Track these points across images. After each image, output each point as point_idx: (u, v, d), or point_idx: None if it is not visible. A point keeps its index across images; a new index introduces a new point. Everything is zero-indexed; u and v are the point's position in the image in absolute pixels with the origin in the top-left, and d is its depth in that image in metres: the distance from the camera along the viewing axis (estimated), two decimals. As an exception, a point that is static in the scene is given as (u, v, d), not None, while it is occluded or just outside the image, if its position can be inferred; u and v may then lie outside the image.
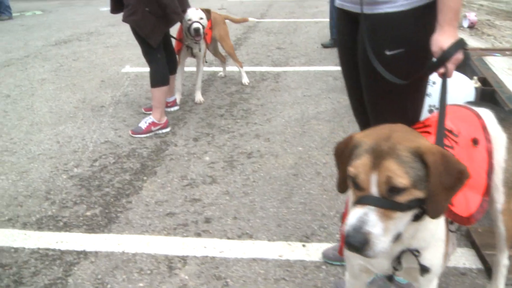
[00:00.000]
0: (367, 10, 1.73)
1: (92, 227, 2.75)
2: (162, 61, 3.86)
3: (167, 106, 4.43)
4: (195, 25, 4.00)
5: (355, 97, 2.00)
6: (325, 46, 6.57)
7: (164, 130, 3.97)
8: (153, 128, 3.92)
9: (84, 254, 2.50)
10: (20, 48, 7.40)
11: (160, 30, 3.74)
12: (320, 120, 4.12)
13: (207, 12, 4.18)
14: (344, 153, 1.29)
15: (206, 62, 4.67)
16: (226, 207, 2.89)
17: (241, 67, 5.09)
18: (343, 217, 1.54)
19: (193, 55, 4.45)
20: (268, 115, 4.25)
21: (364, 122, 2.06)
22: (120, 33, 8.23)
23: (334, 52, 6.25)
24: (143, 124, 3.92)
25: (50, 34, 8.48)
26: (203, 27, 4.07)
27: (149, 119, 3.92)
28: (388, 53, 1.72)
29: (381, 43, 1.73)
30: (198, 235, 2.64)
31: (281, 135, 3.84)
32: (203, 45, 4.40)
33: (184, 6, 3.98)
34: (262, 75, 5.42)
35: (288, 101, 4.59)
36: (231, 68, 5.55)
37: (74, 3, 12.74)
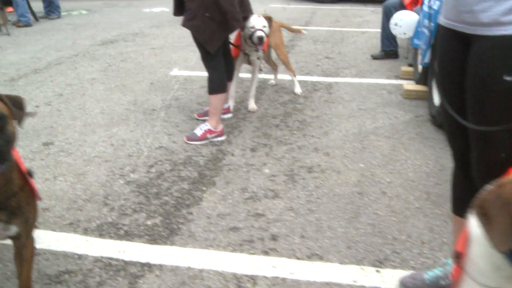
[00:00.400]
0: (486, 31, 1.59)
1: (154, 237, 2.66)
2: (221, 67, 3.77)
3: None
4: (259, 33, 3.91)
5: (454, 120, 1.85)
6: (374, 57, 6.42)
7: (219, 138, 3.88)
8: (208, 136, 3.84)
9: (148, 267, 2.42)
10: (69, 47, 7.47)
11: (219, 37, 3.65)
12: (379, 135, 3.97)
13: (269, 19, 4.09)
14: (497, 205, 1.13)
15: (261, 70, 4.58)
16: (292, 224, 2.78)
17: (295, 76, 4.99)
18: (459, 256, 1.39)
19: (249, 62, 4.36)
20: (325, 128, 4.13)
21: (462, 148, 1.92)
22: (165, 35, 8.23)
23: (384, 64, 6.10)
24: (198, 131, 3.85)
25: (96, 33, 8.55)
26: (266, 35, 3.98)
27: (205, 126, 3.84)
28: (508, 78, 1.58)
29: (500, 67, 1.58)
30: (266, 253, 2.53)
31: (341, 150, 3.71)
32: (261, 52, 4.31)
33: (247, 12, 3.89)
34: (313, 85, 5.30)
35: (344, 113, 4.45)
36: (281, 76, 5.45)
37: (117, 3, 12.89)
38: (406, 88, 4.84)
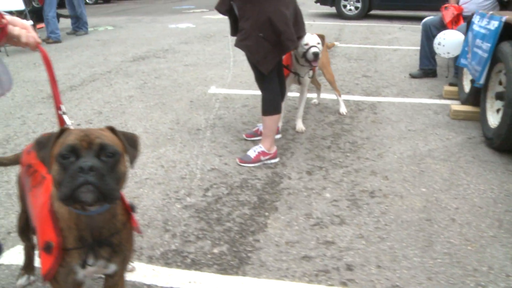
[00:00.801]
0: None
1: (223, 267, 2.57)
2: (275, 89, 3.71)
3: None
4: (314, 49, 3.85)
5: None
6: (413, 76, 6.33)
7: (273, 161, 3.80)
8: (262, 158, 3.75)
9: (220, 298, 2.31)
10: (101, 63, 7.47)
11: (273, 58, 3.58)
12: (435, 158, 3.86)
13: (322, 38, 4.03)
14: None
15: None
16: (365, 253, 2.67)
17: (340, 96, 4.92)
18: None
19: (299, 82, 4.29)
20: (378, 150, 4.03)
21: None
22: (196, 52, 8.21)
23: (424, 83, 6.01)
24: (251, 153, 3.77)
25: (126, 49, 8.56)
26: (320, 52, 3.92)
27: (259, 148, 3.76)
28: None
29: None
30: (344, 284, 2.42)
31: (399, 173, 3.60)
32: (311, 72, 4.24)
33: (300, 32, 3.83)
34: (357, 105, 5.21)
35: (394, 135, 4.35)
36: (323, 95, 5.37)
37: (141, 19, 12.97)
38: (454, 108, 4.74)
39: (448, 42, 5.17)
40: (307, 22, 4.02)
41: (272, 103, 3.69)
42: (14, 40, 1.74)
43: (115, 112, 5.15)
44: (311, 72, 4.28)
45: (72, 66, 7.45)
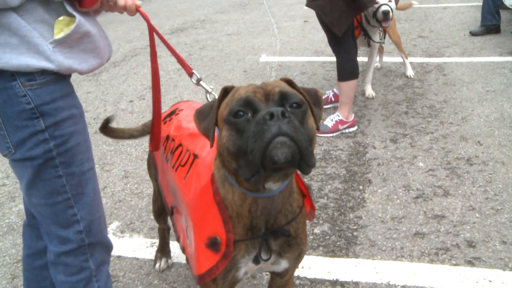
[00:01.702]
0: None
1: (330, 248, 2.35)
2: (352, 51, 3.41)
3: (337, 101, 3.99)
4: (385, 7, 3.52)
5: None
6: (474, 33, 5.92)
7: (351, 129, 3.53)
8: (340, 127, 3.49)
9: (340, 285, 2.10)
10: (139, 38, 7.23)
11: (347, 18, 3.27)
12: (527, 120, 3.53)
13: None
14: None
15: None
16: (483, 227, 2.42)
17: (406, 58, 4.59)
18: None
19: (368, 45, 3.97)
20: (460, 114, 3.72)
21: None
22: (235, 21, 7.89)
23: (487, 40, 5.60)
24: (329, 122, 3.50)
25: (161, 22, 8.28)
26: (392, 10, 3.58)
27: (336, 116, 3.50)
28: None
29: None
30: (471, 263, 2.18)
31: (492, 138, 3.30)
32: (382, 33, 3.91)
33: (375, -10, 3.49)
34: (421, 67, 4.87)
35: (472, 97, 4.03)
36: (385, 58, 5.04)
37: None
38: (535, 65, 4.35)
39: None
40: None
41: (348, 67, 3.40)
42: (110, 5, 1.50)
43: (167, 86, 4.92)
44: (381, 34, 3.94)
45: (111, 41, 7.20)
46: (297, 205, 1.30)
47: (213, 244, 1.25)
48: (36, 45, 1.25)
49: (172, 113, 1.88)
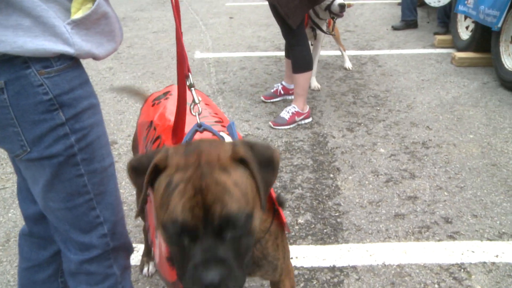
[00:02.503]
0: None
1: (319, 237, 2.36)
2: (306, 43, 3.45)
3: (288, 94, 4.03)
4: (340, 0, 3.60)
5: None
6: (395, 28, 6.30)
7: (307, 120, 3.58)
8: (297, 118, 3.52)
9: (339, 271, 2.12)
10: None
11: (302, 10, 3.31)
12: (464, 105, 3.82)
13: None
14: None
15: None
16: (453, 204, 2.57)
17: (344, 50, 4.75)
18: None
19: (314, 38, 4.05)
20: (404, 102, 3.93)
21: None
22: (157, 18, 7.67)
23: (409, 34, 5.99)
24: (285, 114, 3.52)
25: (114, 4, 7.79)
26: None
27: (292, 108, 3.52)
28: None
29: None
30: (452, 238, 2.30)
31: (438, 123, 3.52)
32: (325, 26, 4.01)
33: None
34: (357, 59, 5.08)
35: (411, 86, 4.27)
36: (322, 52, 5.17)
37: None
38: (459, 56, 4.73)
39: (441, -10, 5.11)
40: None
41: (303, 59, 3.44)
42: None
43: (102, 86, 4.64)
44: (325, 27, 4.03)
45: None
46: (263, 231, 1.21)
47: (171, 259, 1.15)
48: (52, 27, 1.09)
49: (164, 95, 1.75)
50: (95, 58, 1.22)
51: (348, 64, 4.72)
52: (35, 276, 1.47)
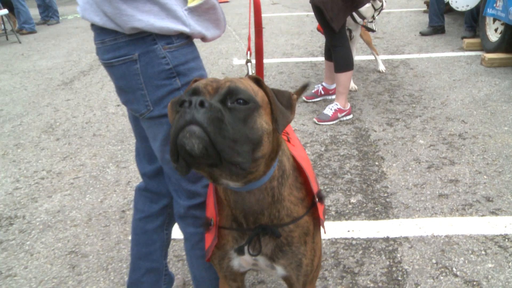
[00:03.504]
0: None
1: (371, 214, 2.60)
2: (347, 44, 3.71)
3: (328, 94, 4.29)
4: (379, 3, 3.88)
5: None
6: (423, 34, 6.52)
7: (348, 117, 3.83)
8: (339, 115, 3.77)
9: (393, 241, 2.36)
10: (101, 48, 7.15)
11: (345, 14, 3.58)
12: (497, 101, 4.03)
13: None
14: None
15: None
16: (493, 185, 2.78)
17: (378, 54, 4.98)
18: None
19: (350, 38, 4.32)
20: (438, 99, 4.15)
21: None
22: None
23: (437, 39, 6.20)
24: (328, 111, 3.78)
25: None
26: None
27: (335, 105, 3.78)
28: None
29: None
30: (495, 214, 2.52)
31: (473, 117, 3.73)
32: (360, 29, 4.28)
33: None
34: (389, 63, 5.32)
35: (443, 85, 4.49)
36: (356, 58, 5.43)
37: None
38: (489, 57, 4.94)
39: (468, -5, 5.34)
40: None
41: (345, 59, 3.70)
42: None
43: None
44: (360, 29, 4.31)
45: (68, 53, 7.10)
46: (287, 213, 1.25)
47: (207, 224, 1.32)
48: (174, 11, 1.39)
49: None
50: (204, 39, 1.52)
51: (381, 67, 4.97)
52: (146, 225, 1.75)
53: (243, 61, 5.77)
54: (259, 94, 1.10)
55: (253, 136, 1.03)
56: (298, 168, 1.32)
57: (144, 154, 1.69)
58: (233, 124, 0.99)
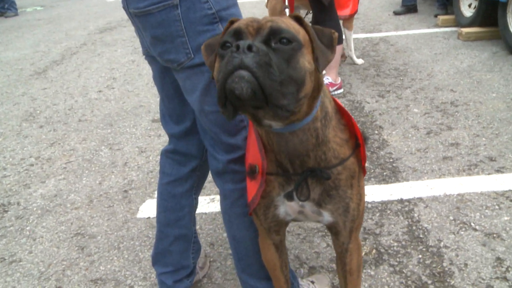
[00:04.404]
0: None
1: (381, 178, 2.61)
2: (336, 19, 3.70)
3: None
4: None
5: None
6: (397, 13, 6.60)
7: (339, 91, 3.84)
8: (330, 89, 3.77)
9: (407, 202, 2.37)
10: (67, 39, 6.97)
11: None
12: (480, 71, 4.12)
13: None
14: None
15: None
16: (493, 146, 2.84)
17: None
18: None
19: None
20: (424, 72, 4.21)
21: None
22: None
23: (411, 18, 6.30)
24: (320, 86, 3.76)
25: (82, 24, 8.01)
26: None
27: (326, 79, 3.78)
28: None
29: None
30: (500, 171, 2.57)
31: (461, 86, 3.81)
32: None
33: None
34: (368, 41, 5.36)
35: (426, 59, 4.56)
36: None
37: (71, -3, 12.05)
38: (465, 31, 5.04)
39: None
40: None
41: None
42: None
43: (131, 75, 4.85)
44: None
45: (35, 44, 6.84)
46: (334, 155, 1.22)
47: (252, 172, 1.28)
48: None
49: None
50: None
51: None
52: (175, 189, 1.68)
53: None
54: (300, 33, 1.07)
55: (297, 76, 1.01)
56: (340, 110, 1.30)
57: (171, 114, 1.62)
58: (279, 66, 0.98)
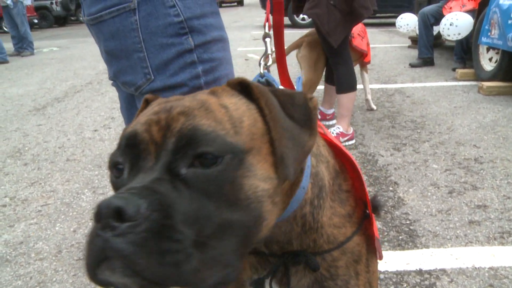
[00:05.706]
0: None
1: (396, 243, 2.23)
2: (350, 64, 3.43)
3: (325, 120, 3.98)
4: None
5: None
6: (413, 65, 6.38)
7: (351, 142, 3.51)
8: (341, 139, 3.44)
9: (428, 274, 1.98)
10: (74, 77, 6.87)
11: (343, 28, 3.31)
12: (505, 126, 3.79)
13: None
14: None
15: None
16: (528, 212, 2.44)
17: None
18: None
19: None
20: (443, 125, 3.88)
21: None
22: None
23: (427, 71, 6.07)
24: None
25: (92, 64, 7.93)
26: None
27: (337, 129, 3.46)
28: None
29: None
30: (538, 242, 2.16)
31: (485, 142, 3.46)
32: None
33: (373, 5, 3.55)
34: (383, 92, 5.09)
35: (445, 112, 4.25)
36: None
37: (85, 40, 12.17)
38: (487, 85, 4.76)
39: (461, 22, 5.22)
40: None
41: (347, 79, 3.41)
42: None
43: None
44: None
45: (41, 81, 6.71)
46: (328, 241, 0.86)
47: None
48: None
49: None
50: None
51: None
52: None
53: (247, 48, 5.47)
54: (243, 125, 0.66)
55: (240, 217, 0.63)
56: (344, 164, 0.91)
57: None
58: (197, 218, 0.59)
